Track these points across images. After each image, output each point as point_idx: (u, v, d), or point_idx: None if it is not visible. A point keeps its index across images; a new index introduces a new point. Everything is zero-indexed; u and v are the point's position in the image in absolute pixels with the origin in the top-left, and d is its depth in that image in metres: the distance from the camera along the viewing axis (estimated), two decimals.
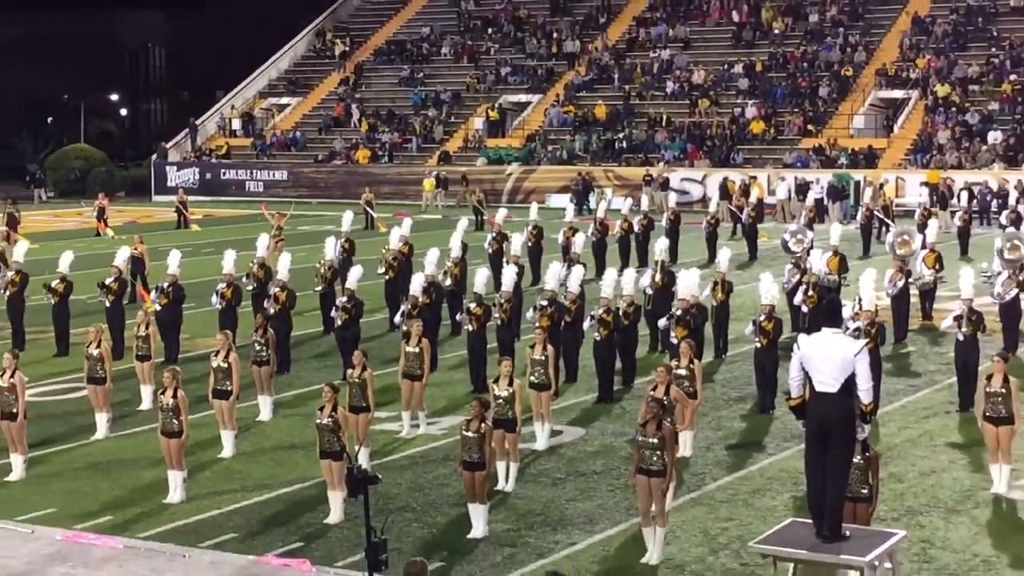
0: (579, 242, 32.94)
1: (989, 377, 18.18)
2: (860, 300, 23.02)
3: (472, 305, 24.63)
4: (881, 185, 51.84)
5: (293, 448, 20.85)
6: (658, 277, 27.48)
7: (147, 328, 23.89)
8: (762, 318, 22.71)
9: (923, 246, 31.70)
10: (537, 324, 23.16)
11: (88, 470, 20.16)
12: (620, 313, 24.03)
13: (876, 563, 11.31)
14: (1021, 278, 27.88)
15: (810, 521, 11.89)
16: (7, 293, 29.12)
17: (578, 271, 26.86)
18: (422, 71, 72.39)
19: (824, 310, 12.60)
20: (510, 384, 18.34)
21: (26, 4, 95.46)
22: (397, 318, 25.75)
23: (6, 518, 17.79)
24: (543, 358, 20.77)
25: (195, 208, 56.75)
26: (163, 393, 18.43)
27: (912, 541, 15.79)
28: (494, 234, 35.50)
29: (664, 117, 63.13)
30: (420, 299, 25.54)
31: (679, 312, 23.95)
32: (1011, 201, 46.02)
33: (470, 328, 24.44)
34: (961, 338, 22.50)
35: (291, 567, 15.76)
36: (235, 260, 28.59)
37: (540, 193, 57.35)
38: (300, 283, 28.59)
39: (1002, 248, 29.83)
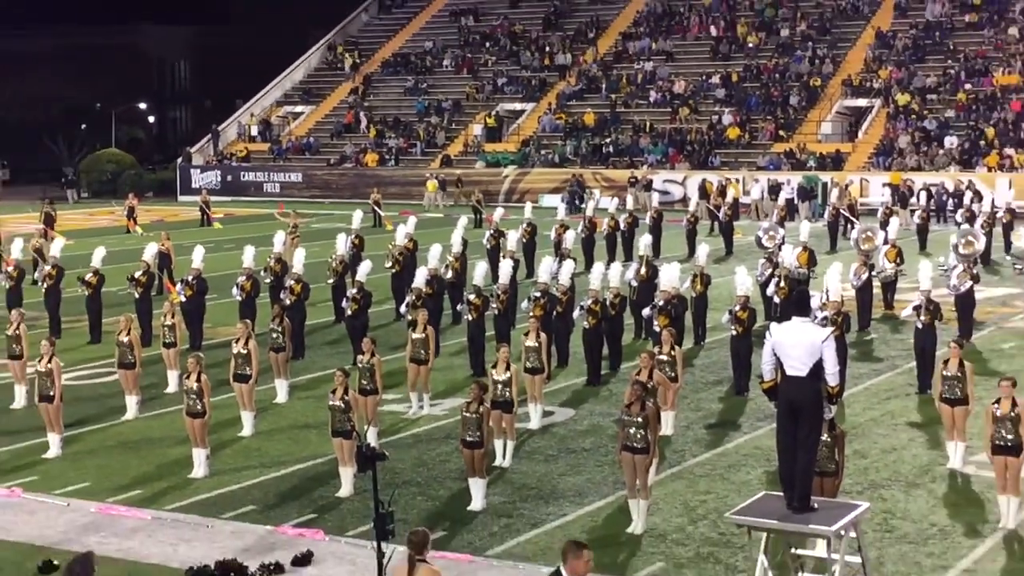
0: (569, 238, 32.94)
1: (946, 362, 18.20)
2: (827, 291, 23.00)
3: (472, 296, 24.65)
4: (846, 186, 51.92)
5: (307, 427, 20.87)
6: (642, 270, 27.47)
7: (173, 317, 23.89)
8: (737, 308, 22.72)
9: (885, 242, 31.70)
10: (531, 314, 23.14)
11: (119, 448, 20.18)
12: (607, 304, 24.03)
13: (842, 532, 11.32)
14: (975, 271, 27.95)
15: (781, 494, 11.89)
16: (45, 286, 29.14)
17: (568, 265, 26.87)
18: (425, 82, 72.32)
19: (794, 301, 12.58)
20: (507, 369, 18.35)
21: (63, 20, 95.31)
22: (403, 308, 25.77)
23: (44, 492, 17.80)
24: (536, 345, 20.78)
25: (217, 207, 56.68)
26: (188, 377, 18.43)
27: (875, 512, 15.81)
28: (492, 231, 35.49)
29: (648, 124, 63.17)
30: (424, 291, 25.56)
31: (661, 303, 23.98)
32: (966, 200, 45.97)
33: (470, 317, 24.46)
34: (920, 326, 22.52)
35: (306, 536, 15.76)
36: (254, 255, 28.58)
37: (534, 193, 57.27)
38: (314, 276, 28.61)
39: (957, 244, 29.86)
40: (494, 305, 24.93)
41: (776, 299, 26.16)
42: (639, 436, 15.66)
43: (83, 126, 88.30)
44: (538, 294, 24.51)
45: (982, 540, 15.45)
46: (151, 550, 15.49)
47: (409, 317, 23.56)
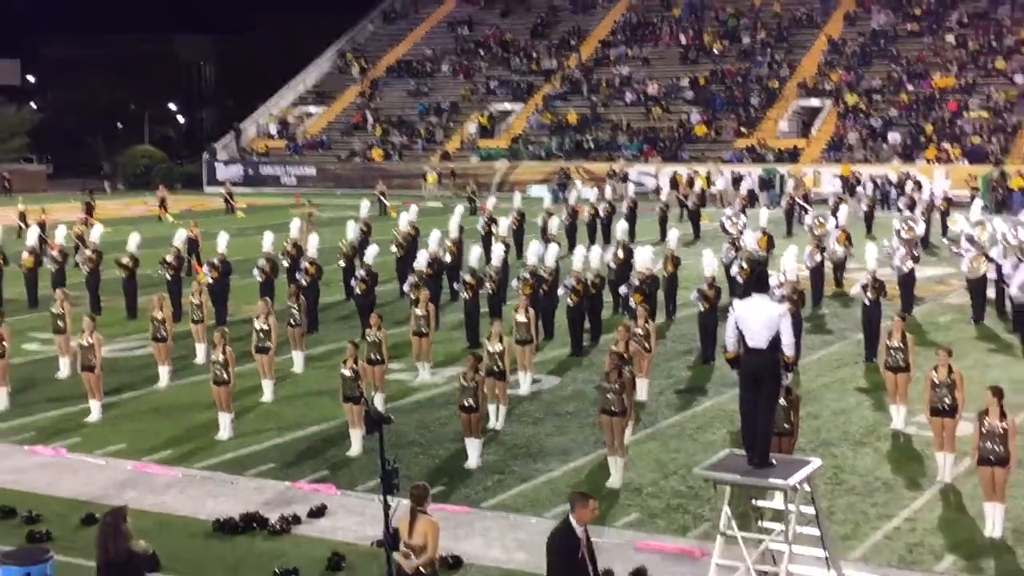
0: (554, 225, 32.95)
1: (890, 334, 18.20)
2: (784, 272, 23.04)
3: (467, 277, 24.63)
4: (801, 177, 51.90)
5: (321, 394, 20.82)
6: (619, 253, 27.48)
7: (200, 296, 23.84)
8: (704, 286, 22.74)
9: (836, 227, 31.72)
10: (521, 292, 23.13)
11: (153, 413, 20.15)
12: (588, 283, 24.02)
13: (797, 485, 11.33)
14: (915, 253, 27.96)
15: (744, 452, 11.91)
16: (86, 268, 29.05)
17: (554, 249, 26.87)
18: (426, 85, 72.13)
19: (754, 280, 12.55)
20: (500, 341, 18.34)
21: (101, 29, 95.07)
22: (406, 287, 25.74)
23: (86, 452, 17.79)
24: (526, 320, 20.77)
25: (240, 198, 56.57)
26: (214, 349, 18.39)
27: (827, 467, 15.81)
28: (485, 219, 35.43)
29: (624, 122, 63.11)
30: (425, 272, 25.52)
31: (636, 282, 24.00)
32: (907, 190, 46.00)
33: (466, 295, 24.45)
34: (867, 302, 22.53)
35: (320, 491, 15.75)
36: (273, 240, 28.51)
37: (523, 184, 57.23)
38: (326, 259, 28.53)
39: (900, 229, 29.88)
40: (487, 284, 24.92)
41: (739, 278, 26.13)
42: (617, 400, 15.67)
43: (119, 125, 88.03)
44: (527, 275, 24.50)
45: (922, 492, 15.48)
46: (182, 504, 15.48)
47: (412, 295, 23.53)
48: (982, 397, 14.21)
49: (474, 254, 25.98)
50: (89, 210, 46.19)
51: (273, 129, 72.38)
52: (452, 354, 23.58)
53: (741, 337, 11.92)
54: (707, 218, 42.50)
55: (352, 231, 31.49)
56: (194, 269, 31.20)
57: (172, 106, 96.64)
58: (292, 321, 22.81)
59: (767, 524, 11.82)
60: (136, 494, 15.69)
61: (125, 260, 28.14)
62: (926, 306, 27.96)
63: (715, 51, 67.49)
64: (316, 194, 58.70)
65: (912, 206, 39.72)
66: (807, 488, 11.52)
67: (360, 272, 25.61)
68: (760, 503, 12.03)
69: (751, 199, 47.17)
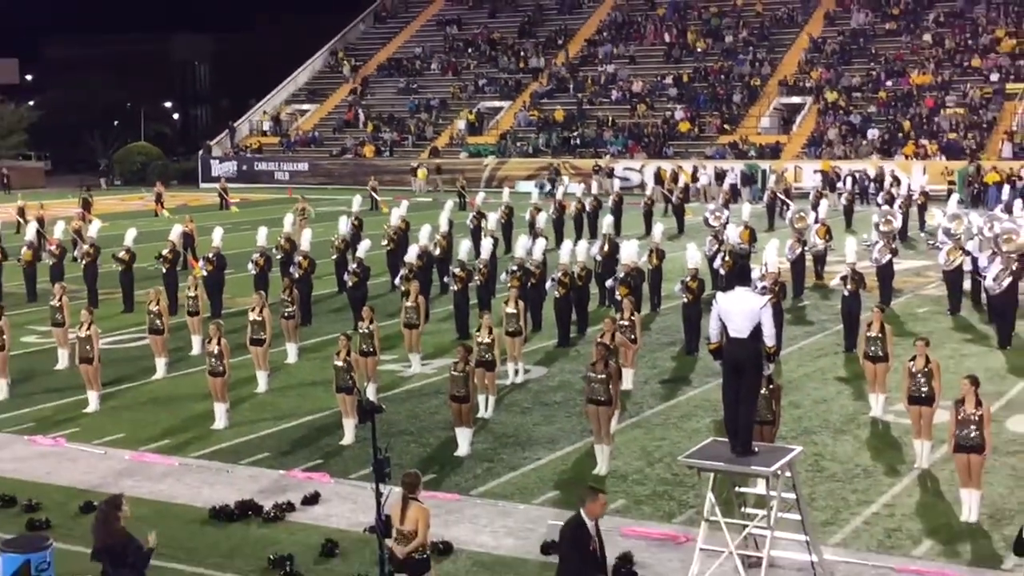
0: (542, 219, 32.93)
1: (869, 324, 18.27)
2: (766, 264, 23.05)
3: (457, 270, 24.62)
4: (783, 173, 51.98)
5: (314, 385, 20.82)
6: (605, 247, 27.49)
7: (196, 289, 23.82)
8: (688, 279, 22.75)
9: (816, 221, 31.75)
10: (509, 285, 23.13)
11: (150, 403, 20.12)
12: (575, 276, 24.02)
13: (779, 472, 11.36)
14: (893, 246, 28.02)
15: (727, 440, 11.93)
16: (84, 262, 28.99)
17: (541, 243, 26.88)
18: (416, 83, 72.00)
19: (737, 272, 12.59)
20: (489, 333, 18.34)
21: (99, 30, 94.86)
22: (397, 280, 25.69)
23: (85, 442, 17.75)
24: (515, 311, 20.74)
25: (234, 193, 56.39)
26: (209, 341, 18.38)
27: (807, 455, 15.88)
28: (474, 213, 35.42)
29: (610, 119, 63.04)
30: (415, 265, 25.50)
31: (622, 275, 24.01)
32: (886, 185, 46.13)
33: (455, 288, 24.44)
34: (846, 293, 22.57)
35: (313, 479, 15.75)
36: (267, 235, 28.49)
37: (511, 180, 57.06)
38: (319, 253, 28.51)
39: (878, 222, 29.91)
40: (476, 277, 24.91)
41: (722, 271, 26.19)
42: (603, 390, 15.68)
43: (116, 123, 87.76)
44: (515, 268, 24.48)
45: (900, 479, 15.52)
46: (179, 492, 15.47)
47: (402, 288, 23.52)
48: (958, 386, 14.25)
49: (463, 248, 25.97)
50: (86, 206, 46.05)
51: (266, 126, 72.21)
52: (442, 345, 23.57)
53: (724, 328, 11.93)
54: (691, 212, 42.53)
55: (344, 226, 31.45)
56: (190, 263, 31.13)
57: (167, 104, 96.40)
58: (286, 314, 22.78)
59: (750, 510, 11.85)
60: (134, 482, 15.67)
61: (122, 254, 28.07)
62: (904, 298, 28.02)
63: (698, 49, 67.47)
64: (309, 189, 58.57)
65: (890, 200, 39.76)
66: (788, 475, 11.55)
67: (352, 266, 25.59)
68: (743, 490, 12.06)
69: (734, 194, 47.17)
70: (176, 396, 20.41)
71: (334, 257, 29.51)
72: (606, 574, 10.38)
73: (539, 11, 75.86)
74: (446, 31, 76.52)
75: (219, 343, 18.09)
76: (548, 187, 51.58)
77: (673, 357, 22.61)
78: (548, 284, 24.09)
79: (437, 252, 28.67)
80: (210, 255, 27.11)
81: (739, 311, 11.73)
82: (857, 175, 50.24)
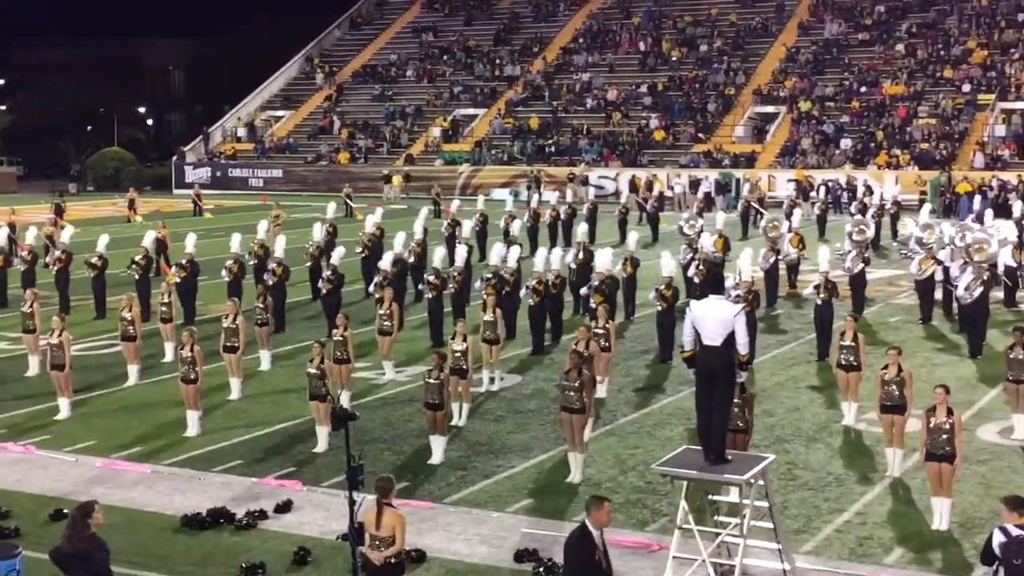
0: (516, 227, 32.93)
1: (842, 333, 18.34)
2: (740, 273, 23.10)
3: (431, 277, 24.58)
4: (756, 182, 52.17)
5: (288, 392, 20.75)
6: (580, 255, 27.51)
7: (169, 296, 23.72)
8: (662, 287, 22.78)
9: (789, 230, 31.86)
10: (485, 293, 23.13)
11: (122, 410, 20.01)
12: (549, 284, 24.03)
13: (752, 480, 11.38)
14: (866, 255, 28.17)
15: (700, 448, 11.95)
16: (55, 268, 28.83)
17: (516, 250, 26.87)
18: (391, 90, 71.98)
19: (711, 281, 12.64)
20: (463, 340, 18.32)
21: (72, 33, 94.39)
22: (371, 287, 25.65)
23: (56, 449, 17.64)
24: (493, 319, 20.71)
25: (208, 199, 56.21)
26: (182, 348, 18.29)
27: (780, 463, 15.92)
28: (449, 220, 35.42)
29: (585, 127, 63.17)
30: (390, 272, 25.45)
31: (597, 283, 24.03)
32: (859, 194, 46.36)
33: (430, 295, 24.40)
34: (819, 302, 22.67)
35: (286, 487, 15.69)
36: (240, 241, 28.38)
37: (486, 188, 57.19)
38: (293, 260, 28.43)
39: (851, 231, 30.00)
40: (451, 285, 24.90)
41: (696, 279, 26.25)
42: (576, 398, 15.68)
43: (89, 128, 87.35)
44: (490, 275, 24.47)
45: (872, 487, 15.59)
46: (150, 499, 15.39)
47: (377, 295, 23.47)
48: (930, 395, 14.33)
49: (438, 255, 25.94)
50: (59, 211, 45.77)
51: (241, 132, 72.02)
52: (416, 353, 23.53)
53: (698, 336, 11.96)
54: (665, 221, 42.63)
55: (319, 232, 31.38)
56: (163, 269, 31.00)
57: (141, 109, 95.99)
58: (259, 320, 22.71)
59: (723, 518, 11.86)
60: (105, 490, 15.58)
61: (94, 260, 27.93)
62: (876, 307, 28.16)
63: (673, 58, 67.70)
64: (283, 196, 58.39)
65: (863, 210, 39.95)
66: (761, 483, 11.58)
67: (326, 273, 25.54)
68: (716, 498, 12.08)
69: (708, 203, 47.32)
70: (148, 403, 20.30)
71: (308, 264, 29.42)
72: None
73: (515, 19, 75.99)
74: (421, 38, 76.54)
75: (192, 350, 18.02)
76: (526, 194, 51.65)
77: (647, 365, 22.63)
78: (522, 292, 24.08)
79: (412, 259, 28.63)
80: (183, 261, 27.00)
81: (713, 319, 11.76)
82: (830, 184, 50.49)
